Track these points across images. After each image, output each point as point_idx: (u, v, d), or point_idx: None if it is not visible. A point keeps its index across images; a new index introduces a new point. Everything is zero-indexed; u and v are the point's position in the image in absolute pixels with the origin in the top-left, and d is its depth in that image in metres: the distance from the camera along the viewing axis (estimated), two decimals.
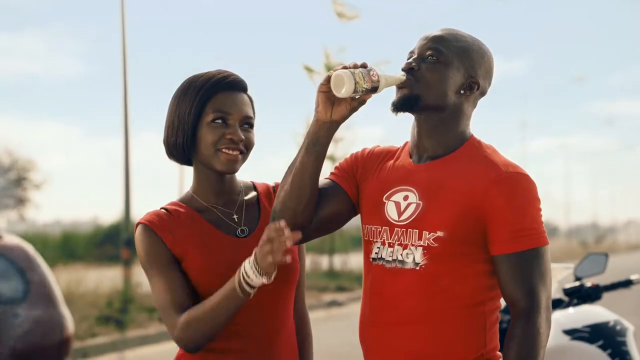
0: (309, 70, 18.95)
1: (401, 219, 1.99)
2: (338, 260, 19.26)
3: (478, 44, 2.06)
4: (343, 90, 1.84)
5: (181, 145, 2.09)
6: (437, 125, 2.01)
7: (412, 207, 1.98)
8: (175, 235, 2.06)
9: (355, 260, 19.50)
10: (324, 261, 19.08)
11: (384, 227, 2.02)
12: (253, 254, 1.90)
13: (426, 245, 1.94)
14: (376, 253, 2.03)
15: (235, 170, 2.09)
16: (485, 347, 1.97)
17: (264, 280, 1.89)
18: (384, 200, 2.04)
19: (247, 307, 2.03)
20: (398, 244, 1.98)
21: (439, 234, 1.93)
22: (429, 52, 2.00)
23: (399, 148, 2.14)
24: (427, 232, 1.94)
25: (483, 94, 2.09)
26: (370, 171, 2.12)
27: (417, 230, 1.95)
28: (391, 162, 2.11)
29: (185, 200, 2.15)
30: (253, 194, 2.22)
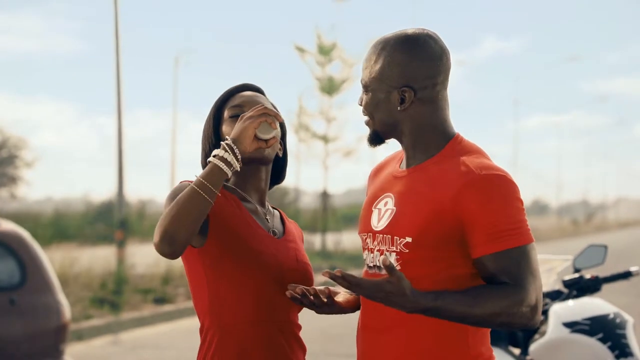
0: (300, 50, 18.93)
1: (379, 225, 2.01)
2: (331, 240, 19.29)
3: (399, 49, 1.98)
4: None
5: (208, 151, 2.18)
6: (411, 140, 2.01)
7: (388, 213, 2.00)
8: (220, 206, 2.06)
9: (348, 240, 19.54)
10: (316, 241, 19.10)
11: (368, 234, 2.05)
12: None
13: (398, 250, 1.94)
14: (364, 259, 2.08)
15: (263, 153, 2.11)
16: (469, 353, 1.94)
17: (232, 157, 1.92)
18: (372, 208, 2.07)
19: (266, 311, 2.05)
20: (377, 250, 2.00)
21: (407, 239, 1.92)
22: (362, 84, 2.05)
23: (397, 154, 2.15)
24: (398, 238, 1.94)
25: (432, 89, 1.98)
26: (370, 188, 2.17)
27: (390, 236, 1.96)
28: (385, 171, 2.14)
29: (227, 188, 2.18)
30: (275, 210, 2.29)
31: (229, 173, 1.92)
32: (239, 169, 1.95)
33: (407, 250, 1.92)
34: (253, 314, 2.05)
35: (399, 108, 1.98)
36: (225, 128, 2.16)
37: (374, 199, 2.09)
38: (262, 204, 2.20)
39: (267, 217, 2.18)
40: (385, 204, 2.02)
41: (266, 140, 2.01)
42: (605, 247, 3.71)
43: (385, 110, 2.00)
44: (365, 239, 2.06)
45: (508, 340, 3.59)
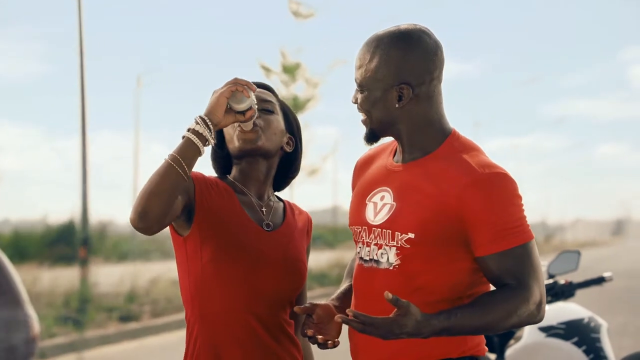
0: (266, 69, 18.96)
1: (376, 219, 2.00)
2: None
3: (394, 45, 1.96)
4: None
5: (213, 148, 2.21)
6: (409, 136, 2.01)
7: (386, 208, 1.99)
8: (209, 194, 2.09)
9: (312, 259, 19.46)
10: None
11: (363, 227, 2.04)
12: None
13: (399, 245, 1.94)
14: (358, 252, 2.06)
15: (255, 143, 2.13)
16: (466, 344, 1.96)
17: (205, 129, 1.90)
18: (366, 202, 2.06)
19: (248, 303, 2.06)
20: (374, 244, 2.00)
21: (410, 235, 1.92)
22: (356, 83, 2.03)
23: (387, 146, 2.15)
24: (399, 233, 1.94)
25: (429, 84, 1.98)
26: (359, 179, 2.16)
27: (390, 231, 1.96)
28: (376, 163, 2.13)
29: (225, 180, 2.21)
30: (280, 203, 2.29)
31: (201, 147, 1.91)
32: (213, 143, 1.94)
33: (409, 246, 1.92)
34: (230, 304, 2.06)
35: (397, 105, 1.97)
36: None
37: (366, 191, 2.07)
38: (261, 197, 2.20)
39: (263, 210, 2.18)
40: (382, 197, 2.02)
41: (243, 113, 1.97)
42: (579, 253, 3.77)
43: (383, 108, 1.98)
44: (360, 232, 2.05)
45: None
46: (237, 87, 1.93)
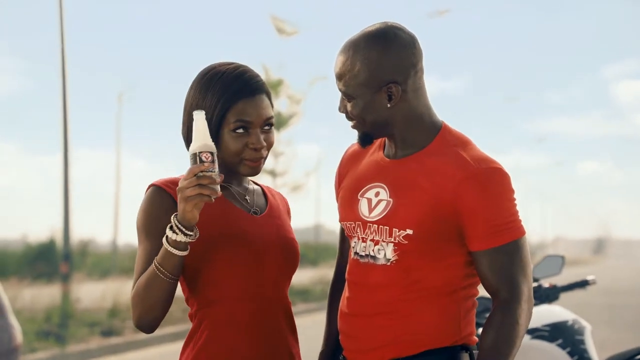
0: None
1: (372, 215, 2.01)
2: None
3: (372, 47, 1.95)
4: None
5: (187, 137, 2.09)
6: (402, 133, 2.02)
7: (382, 204, 2.00)
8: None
9: (295, 276, 19.43)
10: None
11: (357, 223, 2.05)
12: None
13: (396, 241, 1.95)
14: (353, 247, 2.07)
15: (259, 173, 2.09)
16: (460, 334, 1.99)
17: (183, 237, 1.85)
18: (359, 197, 2.06)
19: (257, 289, 2.05)
20: (370, 240, 2.01)
21: (408, 231, 1.94)
22: (342, 92, 2.01)
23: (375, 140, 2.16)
24: (397, 230, 1.95)
25: (414, 78, 1.98)
26: (348, 173, 2.16)
27: (388, 227, 1.97)
28: (365, 157, 2.14)
29: None
30: (257, 186, 2.25)
31: (184, 253, 1.89)
32: (195, 239, 1.89)
33: (407, 242, 1.94)
34: (237, 291, 2.04)
35: (388, 105, 1.97)
36: (227, 140, 2.03)
37: (358, 187, 2.08)
38: (242, 187, 2.16)
39: (247, 198, 2.15)
40: (377, 194, 2.02)
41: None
42: (563, 257, 3.80)
43: (375, 112, 1.98)
44: (353, 227, 2.06)
45: None
46: (202, 199, 1.82)
